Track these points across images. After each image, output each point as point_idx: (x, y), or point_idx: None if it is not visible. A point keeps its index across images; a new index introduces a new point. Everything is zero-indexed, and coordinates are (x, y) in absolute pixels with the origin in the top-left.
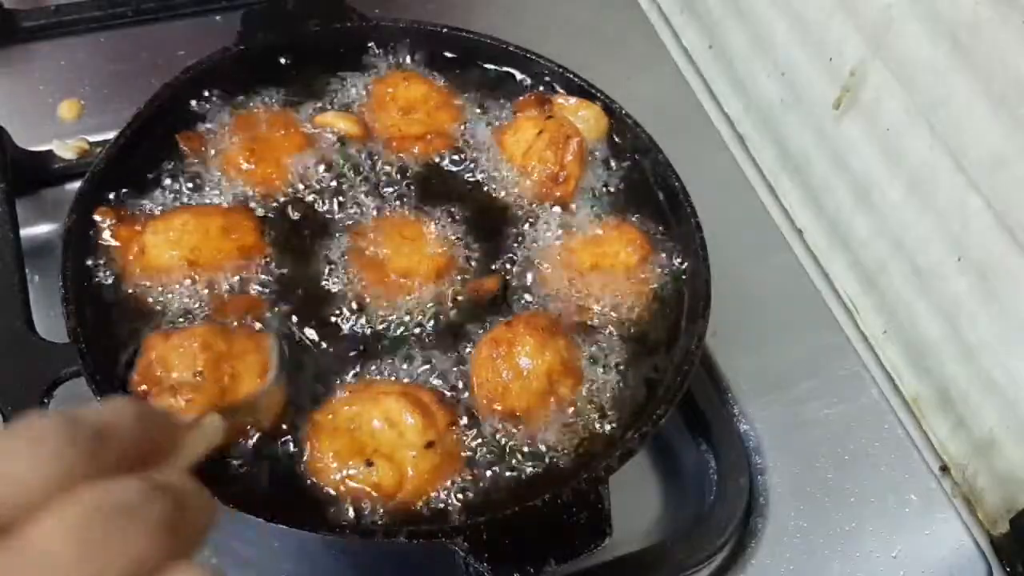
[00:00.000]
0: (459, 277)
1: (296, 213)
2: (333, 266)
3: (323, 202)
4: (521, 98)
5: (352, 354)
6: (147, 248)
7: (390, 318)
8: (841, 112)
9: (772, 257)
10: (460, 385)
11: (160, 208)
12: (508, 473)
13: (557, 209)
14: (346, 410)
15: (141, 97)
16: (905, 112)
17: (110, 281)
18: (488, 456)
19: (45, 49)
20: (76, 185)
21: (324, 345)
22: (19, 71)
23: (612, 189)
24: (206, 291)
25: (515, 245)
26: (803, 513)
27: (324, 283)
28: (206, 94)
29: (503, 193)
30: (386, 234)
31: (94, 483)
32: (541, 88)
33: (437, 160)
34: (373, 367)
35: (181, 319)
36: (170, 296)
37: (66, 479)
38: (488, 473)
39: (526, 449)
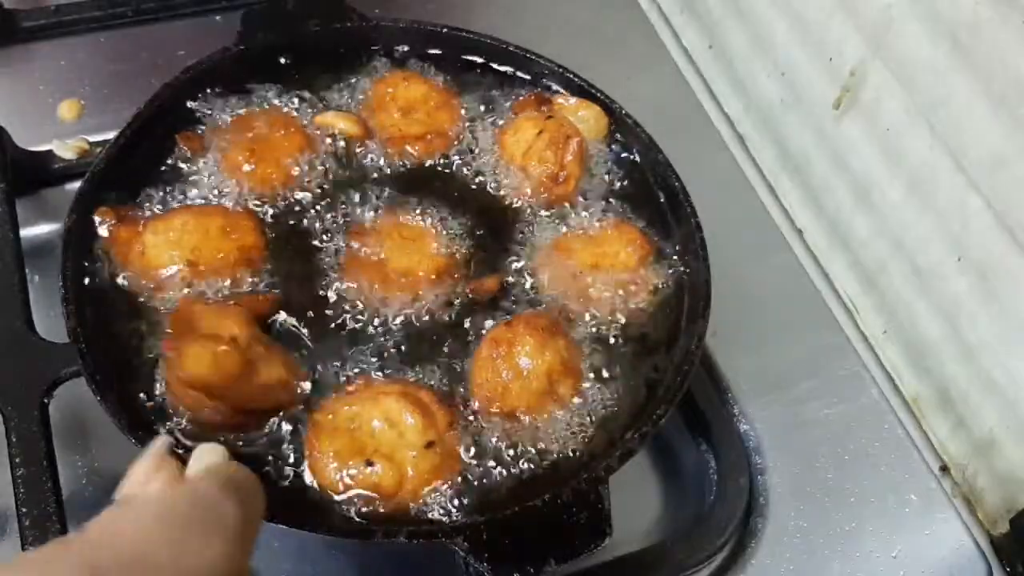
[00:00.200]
0: (459, 277)
1: (296, 213)
2: (333, 266)
3: (323, 202)
4: (521, 98)
5: (352, 354)
6: (147, 248)
7: (390, 318)
8: (841, 112)
9: (772, 257)
10: (460, 385)
11: (160, 208)
12: (508, 473)
13: (557, 209)
14: (346, 410)
15: (141, 97)
16: (905, 112)
17: (110, 281)
18: (488, 456)
19: (45, 49)
20: (76, 185)
21: (324, 345)
22: (19, 71)
23: (612, 189)
24: (206, 291)
25: (515, 245)
26: (803, 513)
27: (324, 283)
28: (206, 94)
29: (503, 193)
30: (386, 234)
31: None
32: (541, 88)
33: (437, 160)
34: (373, 367)
35: None
36: (170, 296)
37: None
38: (488, 473)
39: (526, 449)
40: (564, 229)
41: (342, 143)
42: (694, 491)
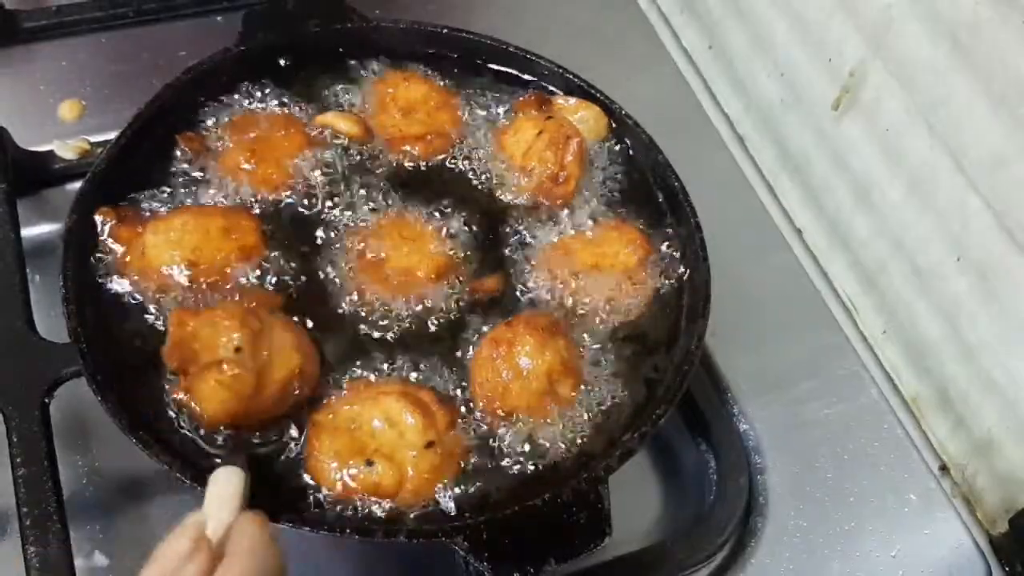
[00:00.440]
0: (459, 277)
1: (296, 213)
2: (333, 266)
3: (323, 202)
4: (521, 98)
5: (352, 354)
6: (148, 248)
7: (390, 318)
8: (841, 112)
9: (771, 257)
10: (460, 385)
11: (161, 208)
12: (508, 473)
13: (557, 209)
14: (346, 410)
15: (142, 97)
16: (905, 112)
17: (111, 281)
18: (488, 456)
19: (46, 49)
20: (77, 185)
21: (324, 345)
22: (20, 71)
23: (612, 189)
24: (206, 291)
25: (515, 245)
26: (803, 513)
27: (324, 283)
28: (207, 94)
29: (503, 193)
30: (386, 234)
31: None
32: (541, 89)
33: (437, 160)
34: (373, 367)
35: None
36: (171, 296)
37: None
38: (488, 473)
39: (526, 449)
40: (564, 229)
41: (342, 143)
42: (694, 491)
